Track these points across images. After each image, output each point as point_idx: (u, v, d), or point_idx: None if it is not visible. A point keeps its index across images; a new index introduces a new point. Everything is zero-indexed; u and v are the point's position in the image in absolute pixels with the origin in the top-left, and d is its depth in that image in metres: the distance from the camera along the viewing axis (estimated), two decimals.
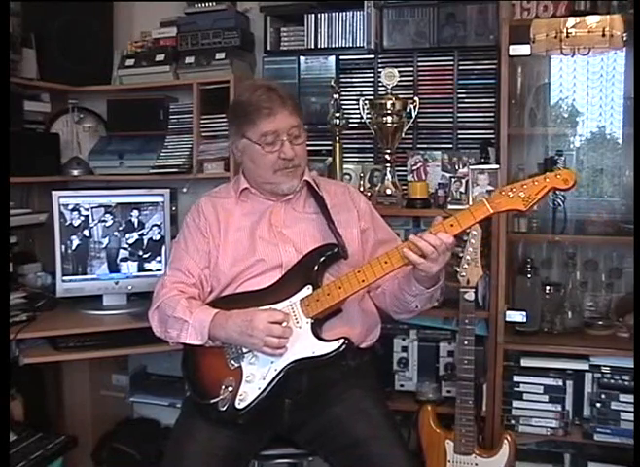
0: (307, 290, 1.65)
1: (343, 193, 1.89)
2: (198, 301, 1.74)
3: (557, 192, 2.19)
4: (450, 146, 2.48)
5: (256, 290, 1.71)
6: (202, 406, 1.64)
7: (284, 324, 1.58)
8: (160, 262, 2.51)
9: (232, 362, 1.64)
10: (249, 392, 1.60)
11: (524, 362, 2.25)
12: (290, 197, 1.81)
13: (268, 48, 2.64)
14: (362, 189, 2.42)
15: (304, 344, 1.60)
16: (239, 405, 1.59)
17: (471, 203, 1.50)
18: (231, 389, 1.61)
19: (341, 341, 1.59)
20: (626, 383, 2.15)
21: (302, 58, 2.59)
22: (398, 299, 1.73)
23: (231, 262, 1.75)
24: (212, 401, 1.61)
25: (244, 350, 1.63)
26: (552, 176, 1.51)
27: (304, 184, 1.82)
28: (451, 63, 2.45)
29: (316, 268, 1.68)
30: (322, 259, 1.69)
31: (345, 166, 2.50)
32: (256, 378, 1.61)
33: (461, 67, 2.45)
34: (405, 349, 2.43)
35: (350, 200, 1.87)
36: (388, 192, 2.38)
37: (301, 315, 1.63)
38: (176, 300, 1.70)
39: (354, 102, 2.51)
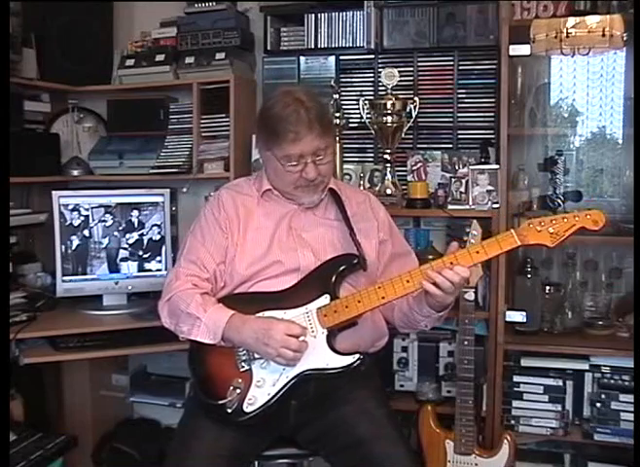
0: (325, 299, 1.63)
1: (364, 201, 1.86)
2: (212, 298, 1.70)
3: (556, 188, 2.23)
4: (450, 146, 2.49)
5: (271, 292, 1.68)
6: (209, 405, 1.62)
7: (301, 338, 1.56)
8: (159, 262, 2.51)
9: (243, 364, 1.62)
10: (258, 397, 1.58)
11: (524, 362, 2.25)
12: (312, 206, 1.77)
13: (268, 48, 2.64)
14: (362, 189, 2.42)
15: (318, 355, 1.58)
16: (247, 408, 1.58)
17: (499, 236, 1.53)
18: (238, 391, 1.59)
19: (356, 356, 1.58)
20: (626, 383, 2.15)
21: (302, 58, 2.59)
22: (407, 316, 1.72)
23: (248, 261, 1.71)
24: (220, 402, 1.59)
25: (256, 355, 1.61)
26: (583, 216, 1.52)
27: (328, 191, 1.79)
28: (451, 63, 2.45)
29: (334, 277, 1.65)
30: (341, 269, 1.67)
31: (345, 166, 2.50)
32: (266, 384, 1.59)
33: (461, 67, 2.45)
34: (405, 349, 2.43)
35: (370, 210, 1.85)
36: (388, 192, 2.39)
37: (316, 324, 1.61)
38: (190, 295, 1.66)
39: (354, 102, 2.51)
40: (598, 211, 1.53)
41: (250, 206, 1.77)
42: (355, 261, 1.68)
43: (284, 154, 1.65)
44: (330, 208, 1.80)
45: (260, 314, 1.64)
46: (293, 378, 1.58)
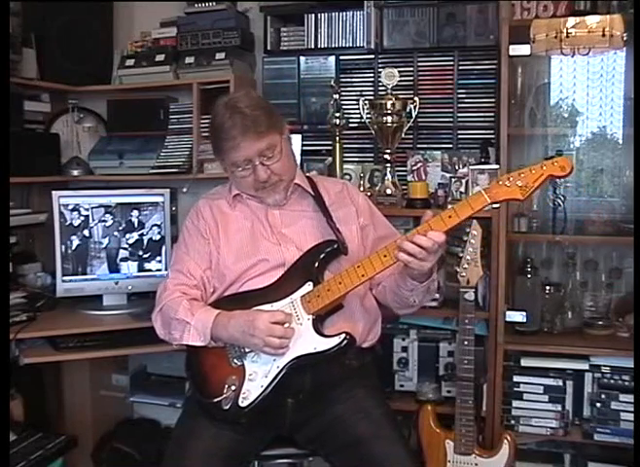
0: (308, 286, 1.65)
1: (341, 190, 1.89)
2: (200, 302, 1.74)
3: (556, 188, 2.23)
4: (450, 146, 2.49)
5: (258, 288, 1.71)
6: (206, 405, 1.64)
7: (286, 325, 1.58)
8: (159, 262, 2.51)
9: (235, 361, 1.65)
10: (252, 390, 1.60)
11: (524, 362, 2.25)
12: (282, 204, 1.80)
13: (268, 48, 2.64)
14: (362, 189, 2.42)
15: (306, 341, 1.60)
16: (242, 403, 1.59)
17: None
18: (234, 388, 1.61)
19: (342, 335, 1.59)
20: (626, 383, 2.15)
21: (302, 58, 2.59)
22: (396, 294, 1.73)
23: (234, 257, 1.75)
24: (215, 400, 1.61)
25: (247, 349, 1.63)
26: (549, 164, 1.49)
27: (295, 187, 1.81)
28: (451, 63, 2.45)
29: (317, 264, 1.68)
30: (322, 255, 1.69)
31: (345, 166, 2.50)
32: (258, 376, 1.61)
33: (461, 67, 2.45)
34: (405, 349, 2.43)
35: (348, 197, 1.87)
36: (388, 192, 2.39)
37: (302, 312, 1.63)
38: (178, 302, 1.70)
39: (354, 102, 2.51)
40: (565, 157, 1.50)
41: (226, 210, 1.82)
42: (335, 246, 1.69)
43: (231, 162, 1.70)
44: (306, 201, 1.83)
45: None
46: (284, 367, 1.60)
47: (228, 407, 1.60)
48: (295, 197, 1.82)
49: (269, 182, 1.71)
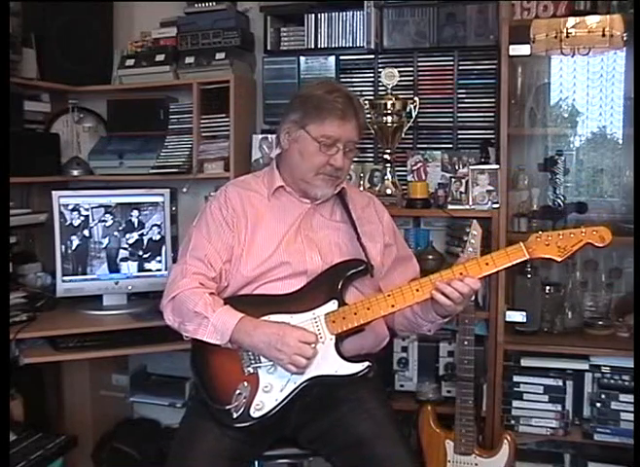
0: (333, 305, 1.62)
1: (368, 204, 1.86)
2: (220, 299, 1.66)
3: (556, 188, 2.24)
4: (450, 146, 2.49)
5: (277, 295, 1.67)
6: (214, 409, 1.59)
7: (312, 346, 1.55)
8: (160, 262, 2.50)
9: (248, 368, 1.60)
10: (266, 402, 1.56)
11: (524, 362, 2.25)
12: (320, 202, 1.76)
13: (268, 48, 2.64)
14: (362, 189, 2.42)
15: (327, 362, 1.57)
16: (254, 414, 1.56)
17: (507, 248, 1.57)
18: (244, 396, 1.57)
19: (365, 364, 1.57)
20: (626, 383, 2.15)
21: (302, 58, 2.59)
22: (409, 320, 1.73)
23: (255, 263, 1.68)
24: (227, 407, 1.56)
25: (263, 360, 1.59)
26: (590, 232, 1.55)
27: (338, 192, 1.78)
28: (451, 63, 2.45)
29: (342, 282, 1.65)
30: (349, 274, 1.66)
31: None
32: (274, 390, 1.57)
33: (461, 67, 2.45)
34: (405, 349, 2.43)
35: (375, 213, 1.85)
36: (388, 192, 2.39)
37: (325, 330, 1.59)
38: (198, 294, 1.62)
39: None
40: (605, 228, 1.55)
41: (259, 205, 1.74)
42: (363, 267, 1.67)
43: (323, 133, 1.65)
44: (336, 209, 1.80)
45: (265, 318, 1.61)
46: (301, 384, 1.57)
47: (237, 415, 1.56)
48: (329, 203, 1.79)
49: (336, 173, 1.69)
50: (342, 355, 1.58)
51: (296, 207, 1.75)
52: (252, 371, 1.60)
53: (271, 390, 1.58)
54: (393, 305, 1.58)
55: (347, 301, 1.64)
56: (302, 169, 1.70)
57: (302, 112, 1.68)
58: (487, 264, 1.56)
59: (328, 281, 1.65)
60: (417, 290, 1.58)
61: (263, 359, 1.59)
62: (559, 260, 1.57)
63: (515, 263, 1.57)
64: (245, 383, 1.58)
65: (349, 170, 1.76)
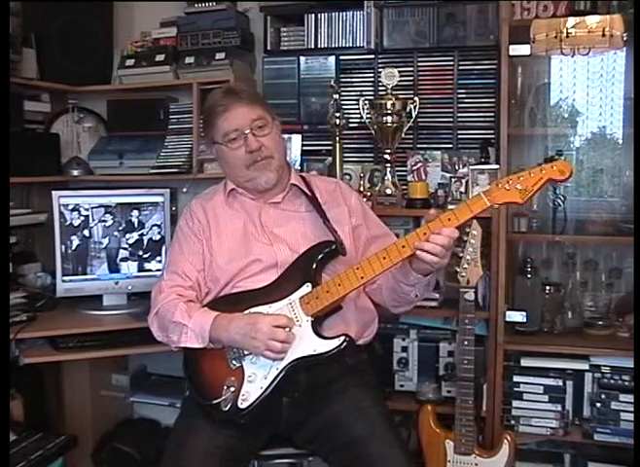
0: (307, 288, 1.64)
1: (334, 189, 1.88)
2: (197, 303, 1.73)
3: (556, 188, 2.23)
4: (450, 146, 2.48)
5: (253, 289, 1.71)
6: (205, 406, 1.63)
7: (287, 329, 1.58)
8: (159, 262, 2.50)
9: (234, 362, 1.64)
10: (251, 392, 1.60)
11: (524, 362, 2.25)
12: (278, 201, 1.81)
13: (268, 48, 2.64)
14: (362, 189, 2.42)
15: (305, 343, 1.60)
16: (242, 405, 1.59)
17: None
18: (233, 389, 1.61)
19: (342, 338, 1.59)
20: (626, 383, 2.15)
21: (302, 58, 2.59)
22: (395, 291, 1.73)
23: (227, 257, 1.75)
24: (214, 402, 1.60)
25: (246, 352, 1.63)
26: (548, 167, 1.51)
27: (291, 187, 1.82)
28: (451, 63, 2.45)
29: (314, 265, 1.67)
30: (320, 256, 1.68)
31: (345, 166, 2.50)
32: (257, 378, 1.61)
33: (461, 67, 2.45)
34: (405, 349, 2.43)
35: (341, 196, 1.87)
36: (388, 192, 2.39)
37: (301, 314, 1.62)
38: (174, 304, 1.69)
39: (354, 102, 2.51)
40: (564, 161, 1.53)
41: (218, 210, 1.82)
42: (333, 246, 1.69)
43: (222, 133, 1.73)
44: (299, 201, 1.83)
45: (246, 312, 1.65)
46: (283, 369, 1.59)
47: (227, 408, 1.59)
48: (289, 197, 1.83)
49: (261, 155, 1.72)
50: (321, 335, 1.61)
51: (252, 206, 1.81)
52: (237, 364, 1.64)
53: (255, 379, 1.61)
54: (362, 277, 1.59)
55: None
56: (235, 173, 1.78)
57: (205, 131, 1.82)
58: (449, 219, 1.53)
59: (300, 267, 1.69)
60: (384, 258, 1.57)
61: (245, 351, 1.63)
62: (521, 202, 1.51)
63: (477, 213, 1.53)
64: (232, 377, 1.62)
65: (277, 149, 1.76)
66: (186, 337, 1.66)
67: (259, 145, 1.71)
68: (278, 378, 1.59)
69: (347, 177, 2.51)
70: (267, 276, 1.71)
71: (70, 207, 2.41)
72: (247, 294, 1.71)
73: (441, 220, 1.53)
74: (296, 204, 1.83)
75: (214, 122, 1.74)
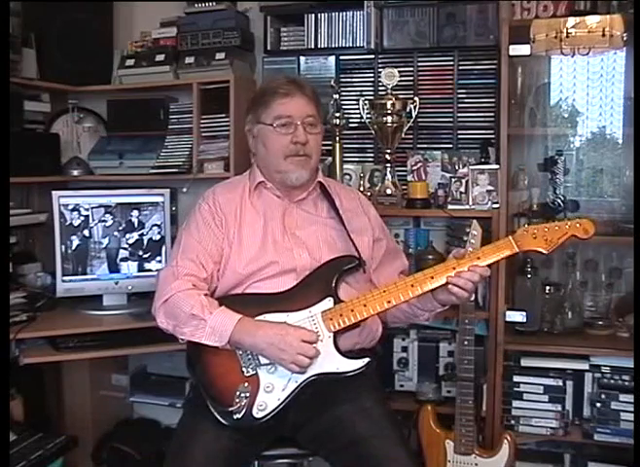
0: (329, 302, 1.62)
1: (354, 199, 1.87)
2: (214, 300, 1.66)
3: (556, 188, 2.24)
4: (450, 146, 2.48)
5: (269, 293, 1.67)
6: (215, 410, 1.58)
7: (313, 345, 1.55)
8: (160, 262, 2.50)
9: (249, 369, 1.60)
10: (268, 402, 1.56)
11: (524, 362, 2.25)
12: (302, 198, 1.78)
13: (268, 48, 2.64)
14: (362, 189, 2.42)
15: (327, 359, 1.57)
16: (258, 414, 1.56)
17: (495, 244, 1.61)
18: (245, 397, 1.57)
19: (366, 360, 1.58)
20: (626, 383, 2.15)
21: (302, 58, 2.59)
22: (404, 313, 1.74)
23: (245, 260, 1.69)
24: (229, 409, 1.56)
25: (262, 360, 1.59)
26: (574, 224, 1.58)
27: (317, 185, 1.80)
28: (451, 63, 2.45)
29: (335, 279, 1.65)
30: (343, 271, 1.67)
31: (345, 166, 2.50)
32: (275, 389, 1.57)
33: (461, 67, 2.45)
34: (405, 349, 2.43)
35: (360, 206, 1.86)
36: (388, 192, 2.39)
37: (322, 328, 1.60)
38: (193, 296, 1.61)
39: (354, 102, 2.51)
40: (588, 220, 1.58)
41: (242, 205, 1.77)
42: (356, 263, 1.68)
43: (275, 114, 1.70)
44: (320, 205, 1.81)
45: (261, 317, 1.62)
46: (302, 382, 1.57)
47: (240, 416, 1.55)
48: (312, 198, 1.80)
49: (303, 150, 1.70)
50: (341, 352, 1.59)
51: (277, 205, 1.77)
52: (252, 371, 1.60)
53: (273, 390, 1.57)
54: (389, 301, 1.59)
55: (340, 296, 1.65)
56: (271, 159, 1.74)
57: (253, 109, 1.77)
58: (479, 258, 1.58)
59: (321, 278, 1.66)
60: (412, 285, 1.59)
61: (262, 359, 1.59)
62: (546, 252, 1.59)
63: (503, 257, 1.59)
64: (246, 384, 1.58)
65: (317, 152, 1.76)
66: (202, 332, 1.58)
67: (305, 139, 1.70)
68: (297, 391, 1.57)
69: (347, 177, 2.51)
70: (284, 281, 1.68)
71: (70, 207, 2.41)
72: (261, 297, 1.67)
73: (470, 258, 1.58)
74: (319, 208, 1.80)
75: (269, 102, 1.71)
